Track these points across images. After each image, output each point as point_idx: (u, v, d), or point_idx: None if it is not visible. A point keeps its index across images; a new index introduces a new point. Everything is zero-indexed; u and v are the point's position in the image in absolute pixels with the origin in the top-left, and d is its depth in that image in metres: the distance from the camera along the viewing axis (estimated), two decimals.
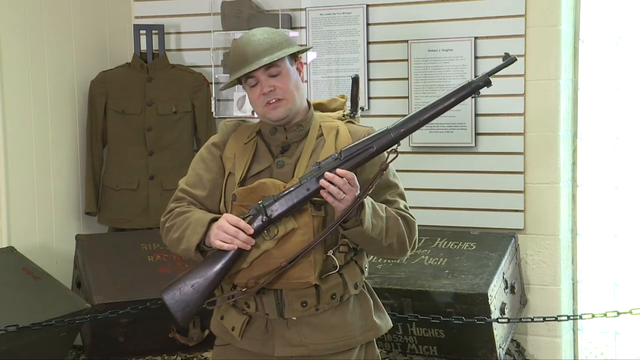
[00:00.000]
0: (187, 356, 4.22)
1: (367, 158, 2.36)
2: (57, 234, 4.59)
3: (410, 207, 2.54)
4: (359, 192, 2.32)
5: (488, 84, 2.39)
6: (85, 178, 4.75)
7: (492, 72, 2.41)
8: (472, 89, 2.40)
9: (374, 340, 2.58)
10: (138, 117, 4.71)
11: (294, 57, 2.51)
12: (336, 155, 2.36)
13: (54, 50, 4.58)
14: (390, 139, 2.36)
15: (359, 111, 2.62)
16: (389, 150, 2.37)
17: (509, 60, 2.42)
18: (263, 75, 2.45)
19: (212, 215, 2.44)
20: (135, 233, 4.58)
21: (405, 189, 2.55)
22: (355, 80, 2.67)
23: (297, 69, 2.51)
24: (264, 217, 2.36)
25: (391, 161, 2.37)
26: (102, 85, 4.75)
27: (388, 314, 2.65)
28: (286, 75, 2.46)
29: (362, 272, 2.52)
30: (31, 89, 4.43)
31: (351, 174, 2.31)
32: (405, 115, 2.46)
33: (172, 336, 4.21)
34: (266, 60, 2.42)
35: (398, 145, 2.38)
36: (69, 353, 4.21)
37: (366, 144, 2.36)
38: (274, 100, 2.45)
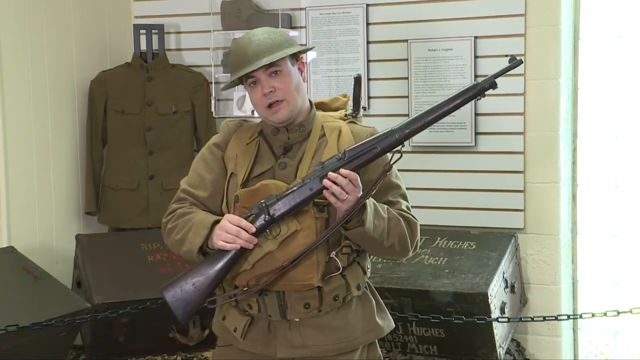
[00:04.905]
0: (187, 356, 4.22)
1: (370, 159, 2.35)
2: (57, 234, 4.59)
3: (411, 207, 2.53)
4: (361, 192, 2.31)
5: (494, 86, 2.37)
6: (85, 178, 4.74)
7: (498, 75, 2.39)
8: (478, 91, 2.37)
9: (376, 340, 2.58)
10: (138, 117, 4.71)
11: (296, 57, 2.50)
12: (340, 155, 2.35)
13: (54, 50, 4.57)
14: (394, 140, 2.35)
15: (362, 111, 2.61)
16: (392, 151, 2.36)
17: (514, 62, 2.40)
18: (263, 75, 2.44)
19: (215, 218, 2.44)
20: (135, 233, 4.58)
21: (405, 188, 2.55)
22: (357, 80, 2.65)
23: (299, 69, 2.50)
24: (267, 216, 2.35)
25: (395, 162, 2.35)
26: (102, 85, 4.74)
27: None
28: (287, 75, 2.45)
29: (365, 273, 2.52)
30: (31, 89, 4.43)
31: (354, 175, 2.30)
32: (406, 115, 2.46)
33: (172, 336, 4.22)
34: (266, 60, 2.41)
35: (402, 147, 2.37)
36: (69, 353, 4.21)
37: (370, 145, 2.35)
38: (275, 103, 2.44)
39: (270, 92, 2.44)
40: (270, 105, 2.44)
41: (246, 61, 2.43)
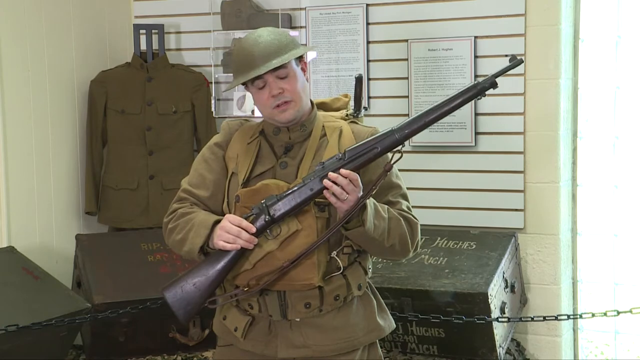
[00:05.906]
0: (187, 356, 4.22)
1: (371, 159, 2.35)
2: (57, 233, 4.59)
3: (411, 207, 2.53)
4: (362, 192, 2.32)
5: (494, 85, 2.37)
6: (85, 178, 4.75)
7: (499, 74, 2.38)
8: (478, 91, 2.37)
9: (377, 340, 2.58)
10: (138, 117, 4.71)
11: (299, 57, 2.50)
12: (340, 155, 2.35)
13: (54, 50, 4.57)
14: (394, 140, 2.35)
15: (363, 111, 2.61)
16: (393, 150, 2.36)
17: (515, 62, 2.40)
18: (271, 78, 2.43)
19: (216, 217, 2.44)
20: (135, 233, 4.58)
21: (406, 188, 2.55)
22: (358, 80, 2.65)
23: (302, 69, 2.50)
24: (267, 216, 2.35)
25: (395, 162, 2.36)
26: (102, 85, 4.75)
27: None
28: (293, 76, 2.45)
29: (366, 273, 2.52)
30: (31, 89, 4.43)
31: (355, 175, 2.30)
32: (407, 115, 2.45)
33: (172, 336, 4.22)
34: (276, 62, 2.40)
35: (402, 147, 2.37)
36: (69, 353, 4.21)
37: (370, 145, 2.35)
38: (283, 103, 2.44)
39: (279, 93, 2.43)
40: (278, 106, 2.44)
41: (254, 63, 2.42)
